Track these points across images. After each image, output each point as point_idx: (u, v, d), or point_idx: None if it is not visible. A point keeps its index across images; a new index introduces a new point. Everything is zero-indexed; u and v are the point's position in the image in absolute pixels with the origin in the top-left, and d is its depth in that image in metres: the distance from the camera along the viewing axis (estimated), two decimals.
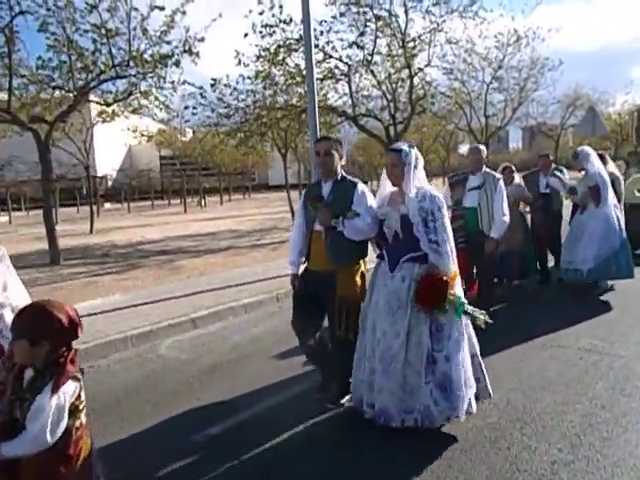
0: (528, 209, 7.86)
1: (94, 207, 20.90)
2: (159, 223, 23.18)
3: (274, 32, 13.19)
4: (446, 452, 3.11)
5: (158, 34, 10.98)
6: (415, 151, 3.41)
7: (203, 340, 5.70)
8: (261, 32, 13.18)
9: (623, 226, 6.57)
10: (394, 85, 15.07)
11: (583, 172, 6.72)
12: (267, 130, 15.76)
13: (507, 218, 5.35)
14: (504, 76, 21.23)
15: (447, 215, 3.39)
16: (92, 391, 4.38)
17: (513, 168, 7.16)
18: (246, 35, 13.30)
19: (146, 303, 6.94)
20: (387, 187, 3.56)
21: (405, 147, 3.41)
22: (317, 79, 10.24)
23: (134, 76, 11.24)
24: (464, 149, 48.32)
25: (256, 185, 62.89)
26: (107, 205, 33.26)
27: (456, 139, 35.98)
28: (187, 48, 11.17)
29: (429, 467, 2.96)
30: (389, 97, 15.07)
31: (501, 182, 5.45)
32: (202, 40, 11.37)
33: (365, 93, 15.29)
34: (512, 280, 7.14)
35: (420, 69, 14.93)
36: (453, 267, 3.30)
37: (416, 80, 14.89)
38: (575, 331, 5.18)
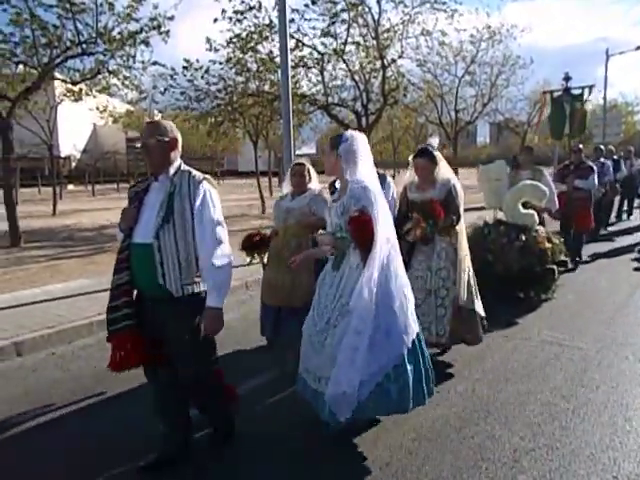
0: None
1: (57, 188, 20.20)
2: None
3: (245, 18, 13.08)
4: (412, 441, 3.17)
5: (126, 11, 10.71)
6: None
7: None
8: (231, 18, 13.06)
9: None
10: (367, 75, 15.09)
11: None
12: (239, 117, 15.59)
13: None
14: (476, 71, 21.55)
15: None
16: (55, 378, 4.32)
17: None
18: (215, 20, 13.12)
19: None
20: None
21: None
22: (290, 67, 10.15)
23: (102, 53, 10.93)
24: (434, 142, 48.82)
25: (224, 171, 62.13)
26: (70, 187, 32.28)
27: (426, 132, 36.27)
28: (156, 25, 10.92)
29: (395, 456, 3.02)
30: (362, 87, 15.08)
31: None
32: (171, 18, 11.15)
33: (338, 83, 15.29)
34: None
35: (393, 60, 15.00)
36: None
37: (389, 71, 14.95)
38: (537, 324, 5.34)
